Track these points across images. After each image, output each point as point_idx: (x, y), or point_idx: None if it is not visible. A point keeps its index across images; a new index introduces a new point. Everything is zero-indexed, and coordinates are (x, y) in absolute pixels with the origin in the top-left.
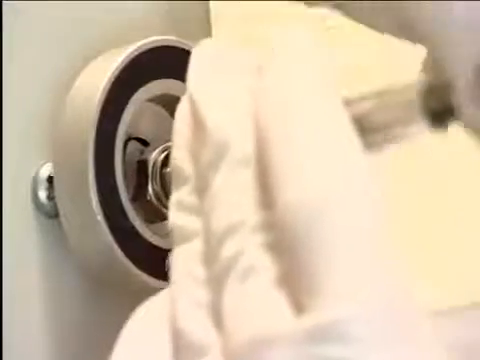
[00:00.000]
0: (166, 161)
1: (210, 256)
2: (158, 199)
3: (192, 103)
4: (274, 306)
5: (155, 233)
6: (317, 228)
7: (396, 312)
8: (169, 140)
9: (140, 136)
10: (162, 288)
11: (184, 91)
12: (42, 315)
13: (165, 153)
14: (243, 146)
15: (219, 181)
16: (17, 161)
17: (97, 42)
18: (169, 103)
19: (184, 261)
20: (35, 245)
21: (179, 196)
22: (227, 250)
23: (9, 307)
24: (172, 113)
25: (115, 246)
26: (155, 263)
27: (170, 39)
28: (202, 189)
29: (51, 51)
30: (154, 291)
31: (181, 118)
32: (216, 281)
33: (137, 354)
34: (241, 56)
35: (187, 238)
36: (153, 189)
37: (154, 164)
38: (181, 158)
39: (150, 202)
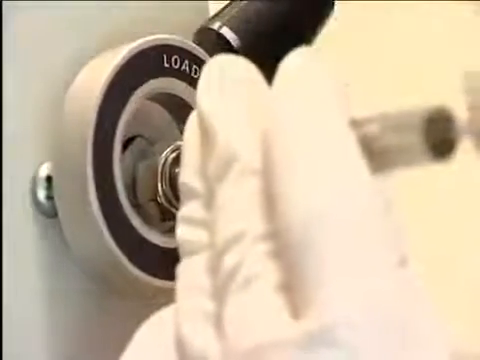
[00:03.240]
0: (176, 161)
1: (214, 266)
2: (167, 199)
3: (202, 117)
4: (273, 313)
5: (154, 232)
6: (314, 241)
7: (390, 319)
8: (173, 139)
9: (139, 135)
10: (161, 287)
11: (182, 90)
12: (41, 314)
13: (175, 153)
14: (250, 159)
15: (225, 192)
16: (16, 160)
17: (96, 41)
18: (168, 102)
19: (190, 273)
20: (34, 245)
21: (187, 211)
22: (230, 259)
23: (8, 306)
24: (170, 111)
25: (114, 245)
26: (154, 262)
27: (168, 38)
28: (209, 201)
29: (50, 50)
30: (153, 290)
31: (191, 131)
32: (219, 290)
33: None
34: (251, 71)
35: (194, 251)
36: (162, 189)
37: (164, 164)
38: (189, 172)
39: (160, 202)
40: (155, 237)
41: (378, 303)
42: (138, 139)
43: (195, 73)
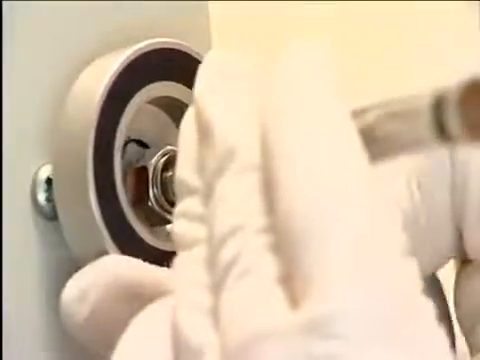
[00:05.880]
0: (166, 165)
1: (212, 260)
2: (158, 204)
3: (199, 112)
4: (271, 303)
5: (154, 235)
6: (313, 230)
7: (388, 311)
8: (169, 143)
9: (139, 138)
10: None
11: (183, 93)
12: (41, 316)
13: (165, 157)
14: (249, 153)
15: (223, 186)
16: (16, 163)
17: (96, 44)
18: (168, 105)
19: (186, 267)
20: (34, 247)
21: (183, 206)
22: (228, 251)
23: (8, 308)
24: (171, 115)
25: (114, 248)
26: (155, 264)
27: (169, 41)
28: (207, 196)
29: (50, 52)
30: None
31: (187, 128)
32: (217, 282)
33: (138, 357)
34: (249, 65)
35: (190, 245)
36: (154, 194)
37: (154, 169)
38: (186, 169)
39: (151, 207)
40: (156, 240)
41: (379, 296)
42: (137, 143)
43: (195, 76)
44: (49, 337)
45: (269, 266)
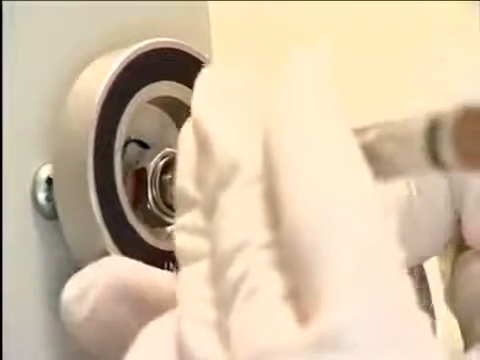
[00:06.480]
0: (165, 168)
1: (217, 275)
2: (157, 205)
3: (196, 124)
4: (280, 320)
5: (155, 236)
6: (320, 245)
7: (391, 322)
8: (168, 145)
9: (140, 138)
10: None
11: (183, 93)
12: (41, 317)
13: (165, 160)
14: (252, 167)
15: (227, 201)
16: (16, 162)
17: (96, 43)
18: (168, 105)
19: (190, 281)
20: (34, 247)
21: (184, 220)
22: (234, 269)
23: (8, 308)
24: (171, 115)
25: (115, 249)
26: (155, 264)
27: (169, 41)
28: (209, 210)
29: (50, 52)
30: None
31: (185, 142)
32: (223, 300)
33: None
34: (247, 80)
35: (194, 259)
36: (152, 196)
37: (154, 171)
38: (186, 180)
39: (149, 208)
40: (156, 240)
41: (383, 309)
42: (138, 143)
43: (196, 76)
44: (49, 337)
45: (275, 283)
